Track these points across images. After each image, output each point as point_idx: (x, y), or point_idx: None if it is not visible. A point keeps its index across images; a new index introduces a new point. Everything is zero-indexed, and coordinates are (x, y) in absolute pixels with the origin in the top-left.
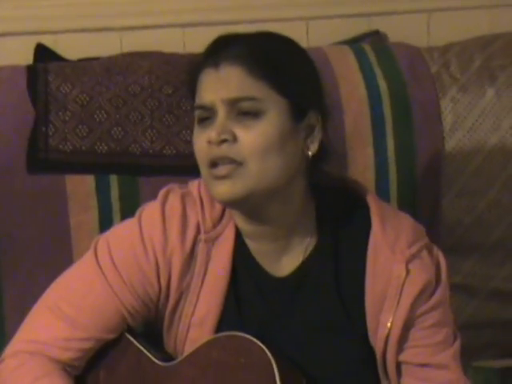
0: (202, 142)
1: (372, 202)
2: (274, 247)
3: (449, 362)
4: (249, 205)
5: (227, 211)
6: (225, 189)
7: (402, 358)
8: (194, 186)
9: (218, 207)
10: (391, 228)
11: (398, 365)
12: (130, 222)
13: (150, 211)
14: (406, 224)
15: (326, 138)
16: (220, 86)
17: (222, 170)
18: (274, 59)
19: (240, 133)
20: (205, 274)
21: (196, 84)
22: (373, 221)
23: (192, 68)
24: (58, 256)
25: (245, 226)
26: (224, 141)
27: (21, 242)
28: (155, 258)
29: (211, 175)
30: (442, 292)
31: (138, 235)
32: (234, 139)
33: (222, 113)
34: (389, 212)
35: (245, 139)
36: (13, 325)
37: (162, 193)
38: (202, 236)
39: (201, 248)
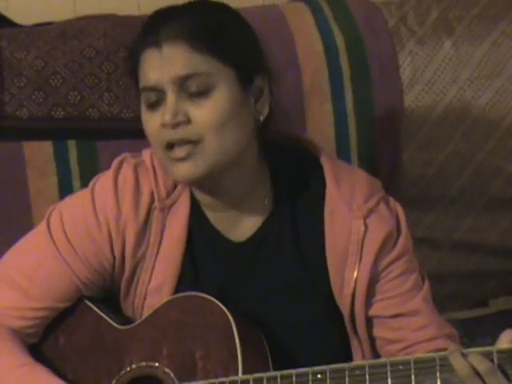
0: (154, 126)
1: (325, 159)
2: (234, 213)
3: (420, 307)
4: (209, 180)
5: None
6: (186, 169)
7: (372, 312)
8: (146, 154)
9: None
10: (346, 184)
11: (368, 320)
12: (83, 194)
13: (102, 182)
14: (360, 179)
15: (273, 98)
16: (165, 65)
17: (180, 151)
18: (214, 30)
19: (193, 112)
20: (160, 242)
21: (138, 65)
22: (327, 179)
23: (132, 50)
24: (18, 223)
25: (202, 197)
26: (179, 123)
27: None
28: (108, 229)
29: (169, 158)
30: (403, 242)
31: (91, 207)
32: (189, 120)
33: (171, 94)
34: (342, 168)
35: (199, 118)
36: None
37: (115, 163)
38: (157, 204)
39: (155, 216)
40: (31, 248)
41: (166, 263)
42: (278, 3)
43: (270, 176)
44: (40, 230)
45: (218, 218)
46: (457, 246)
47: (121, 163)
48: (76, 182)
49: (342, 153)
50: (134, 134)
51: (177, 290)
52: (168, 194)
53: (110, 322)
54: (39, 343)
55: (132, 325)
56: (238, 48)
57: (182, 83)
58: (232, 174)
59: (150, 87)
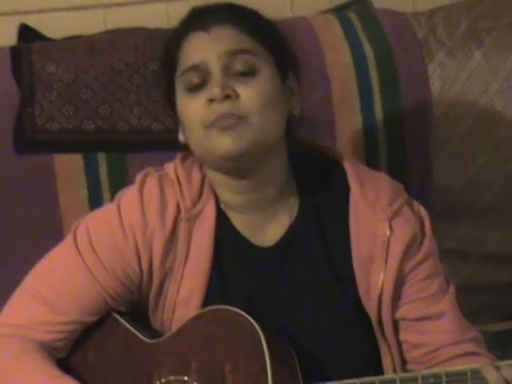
0: (197, 106)
1: (347, 164)
2: (262, 217)
3: (446, 309)
4: (247, 162)
5: (206, 188)
6: (230, 141)
7: (398, 315)
8: (170, 168)
9: (196, 185)
10: (369, 188)
11: (395, 323)
12: (109, 208)
13: (128, 196)
14: (384, 183)
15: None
16: (213, 44)
17: (225, 122)
18: (258, 20)
19: (240, 89)
20: (187, 252)
21: (179, 51)
22: (350, 183)
23: (172, 37)
24: (48, 236)
25: (232, 198)
26: (227, 97)
27: (11, 223)
28: (135, 242)
29: (213, 129)
30: (428, 244)
31: (117, 220)
32: (236, 95)
33: (217, 71)
34: (365, 173)
35: (246, 95)
36: (2, 306)
37: (139, 177)
38: (183, 215)
39: (182, 227)
40: (58, 262)
41: (193, 274)
42: (307, 15)
43: (295, 181)
44: (67, 243)
45: (246, 223)
46: (488, 258)
47: (145, 176)
48: (106, 195)
49: (371, 164)
50: (164, 147)
51: (205, 301)
52: (194, 204)
53: (139, 335)
54: (68, 357)
55: (161, 338)
56: (277, 40)
57: (228, 60)
58: (265, 168)
59: (193, 66)
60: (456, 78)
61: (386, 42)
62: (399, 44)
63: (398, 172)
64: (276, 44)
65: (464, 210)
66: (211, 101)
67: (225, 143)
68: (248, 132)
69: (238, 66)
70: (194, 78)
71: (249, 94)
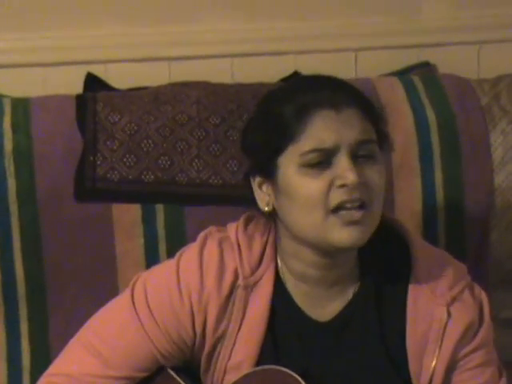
0: (319, 188)
1: (412, 242)
2: (328, 292)
3: None
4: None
5: (267, 255)
6: (356, 234)
7: None
8: (231, 230)
9: (256, 253)
10: (432, 269)
11: None
12: (169, 266)
13: (188, 256)
14: (446, 264)
15: None
16: (344, 129)
17: (355, 214)
18: (374, 106)
19: (368, 175)
20: (242, 319)
21: (302, 125)
22: (413, 263)
23: (291, 106)
24: (103, 283)
25: (307, 271)
26: (361, 184)
27: (67, 269)
28: (190, 305)
29: (336, 218)
30: (485, 332)
31: (175, 281)
32: (366, 182)
33: (346, 156)
34: (429, 252)
35: (373, 181)
36: (57, 352)
37: (200, 237)
38: (241, 282)
39: (239, 294)
40: (114, 317)
41: (246, 341)
42: (371, 76)
43: (358, 255)
44: (124, 299)
45: (308, 295)
46: None
47: (206, 237)
48: (162, 245)
49: (429, 228)
50: (222, 201)
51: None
52: (252, 272)
53: None
54: None
55: None
56: (384, 124)
57: (357, 147)
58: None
59: (324, 148)
60: None
61: (449, 107)
62: (462, 110)
63: (455, 239)
64: (382, 129)
65: None
66: (342, 186)
67: (351, 236)
68: (369, 223)
69: (363, 152)
70: (316, 159)
71: (375, 180)
